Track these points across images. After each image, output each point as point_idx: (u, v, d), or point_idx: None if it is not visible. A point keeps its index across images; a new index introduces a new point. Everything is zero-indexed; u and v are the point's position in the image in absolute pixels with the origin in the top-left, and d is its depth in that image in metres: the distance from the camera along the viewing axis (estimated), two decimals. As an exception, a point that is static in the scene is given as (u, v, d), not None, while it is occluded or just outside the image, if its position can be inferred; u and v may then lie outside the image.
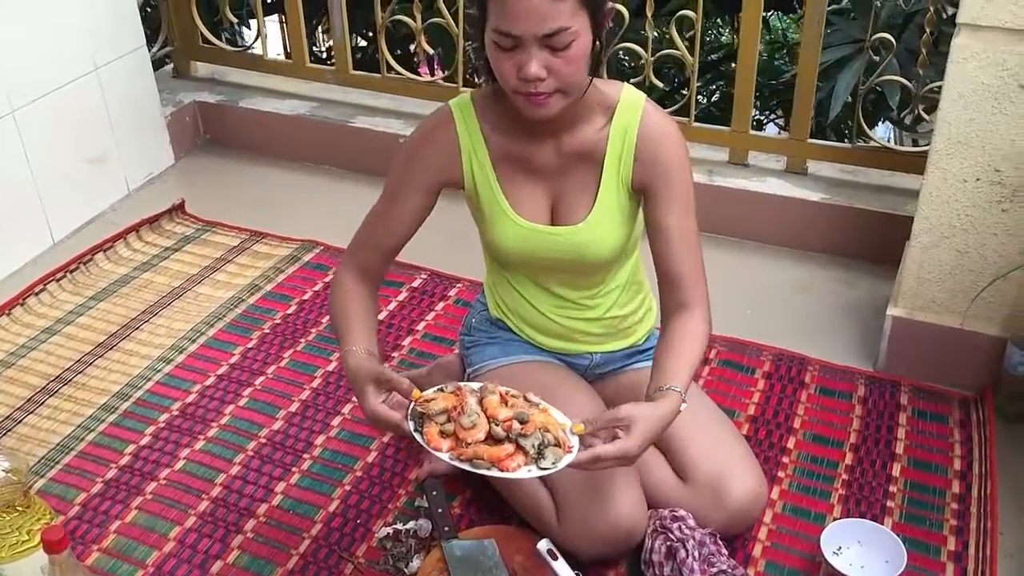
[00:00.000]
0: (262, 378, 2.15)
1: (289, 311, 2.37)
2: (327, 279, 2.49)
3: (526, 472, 1.40)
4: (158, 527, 1.78)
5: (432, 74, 3.14)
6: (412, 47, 3.90)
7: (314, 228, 2.71)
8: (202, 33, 3.22)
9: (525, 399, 1.51)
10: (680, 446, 1.68)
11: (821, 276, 2.47)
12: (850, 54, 3.05)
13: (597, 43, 1.49)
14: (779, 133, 3.73)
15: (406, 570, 1.66)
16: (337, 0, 2.91)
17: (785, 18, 4.72)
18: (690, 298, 1.62)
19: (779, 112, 4.28)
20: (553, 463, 1.40)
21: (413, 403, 1.46)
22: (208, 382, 2.14)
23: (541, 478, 1.61)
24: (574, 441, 1.44)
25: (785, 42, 4.61)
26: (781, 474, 1.85)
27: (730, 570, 1.60)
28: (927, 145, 2.43)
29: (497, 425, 1.43)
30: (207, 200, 2.86)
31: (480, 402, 1.47)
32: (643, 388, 1.71)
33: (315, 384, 2.13)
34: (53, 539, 1.43)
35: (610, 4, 1.50)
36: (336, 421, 2.02)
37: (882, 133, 4.15)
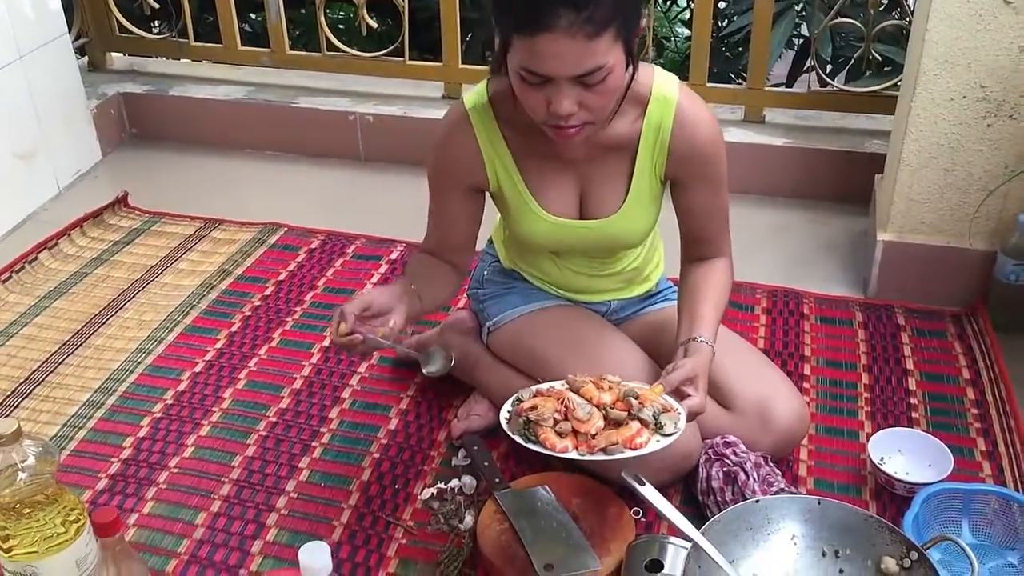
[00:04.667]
0: (255, 359, 2.04)
1: (267, 292, 2.26)
2: (299, 259, 2.39)
3: (656, 444, 1.40)
4: (182, 515, 1.65)
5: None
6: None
7: (271, 212, 2.59)
8: (119, 22, 3.05)
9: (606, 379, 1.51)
10: (722, 377, 1.67)
11: (794, 217, 2.52)
12: (780, 10, 3.14)
13: (631, 64, 1.43)
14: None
15: (461, 526, 1.60)
16: (272, -22, 2.81)
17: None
18: (715, 251, 1.67)
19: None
20: (675, 427, 1.41)
21: (513, 415, 1.46)
22: (198, 368, 2.01)
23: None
24: (672, 402, 1.46)
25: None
26: (807, 399, 1.87)
27: (788, 488, 1.61)
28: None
29: (611, 409, 1.43)
30: (146, 193, 2.70)
31: (578, 393, 1.46)
32: (660, 329, 1.73)
33: (314, 360, 2.03)
34: (105, 521, 1.32)
35: (643, 22, 1.42)
36: (346, 393, 1.93)
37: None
